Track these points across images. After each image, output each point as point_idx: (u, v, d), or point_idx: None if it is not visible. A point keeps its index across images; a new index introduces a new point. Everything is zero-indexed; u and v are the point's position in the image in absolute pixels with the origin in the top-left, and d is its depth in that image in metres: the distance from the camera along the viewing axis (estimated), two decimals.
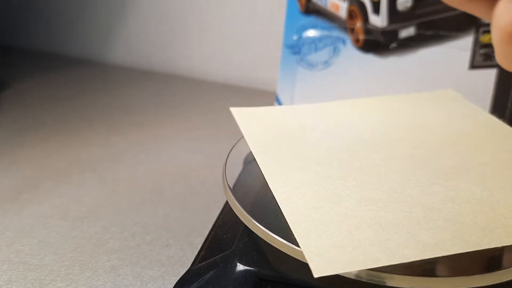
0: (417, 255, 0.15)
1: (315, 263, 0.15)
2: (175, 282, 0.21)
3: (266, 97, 0.52)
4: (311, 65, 0.38)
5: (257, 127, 0.25)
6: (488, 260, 0.17)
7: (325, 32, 0.37)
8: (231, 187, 0.21)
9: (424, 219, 0.17)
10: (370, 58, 0.37)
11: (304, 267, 0.16)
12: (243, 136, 0.26)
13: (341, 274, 0.15)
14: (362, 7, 0.36)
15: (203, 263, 0.21)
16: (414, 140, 0.23)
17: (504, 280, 0.16)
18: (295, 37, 0.38)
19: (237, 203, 0.19)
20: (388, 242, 0.16)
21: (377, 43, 0.36)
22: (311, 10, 0.38)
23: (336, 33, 0.37)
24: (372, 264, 0.15)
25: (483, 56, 0.34)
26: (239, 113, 0.27)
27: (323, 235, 0.16)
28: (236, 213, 0.19)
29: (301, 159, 0.21)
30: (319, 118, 0.26)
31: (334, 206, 0.18)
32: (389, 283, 0.15)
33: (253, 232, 0.18)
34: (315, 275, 0.14)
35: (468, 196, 0.18)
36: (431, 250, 0.15)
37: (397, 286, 0.15)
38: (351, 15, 0.37)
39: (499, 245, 0.15)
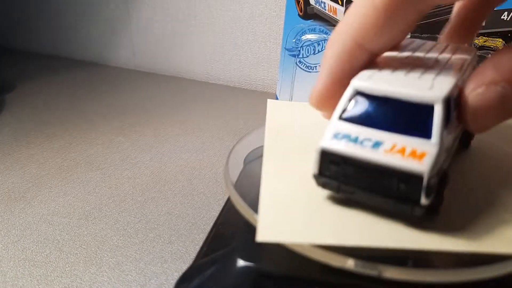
0: (365, 242, 0.15)
1: (262, 230, 0.16)
2: (177, 278, 0.21)
3: (266, 98, 0.53)
4: (309, 67, 0.38)
5: (281, 118, 0.25)
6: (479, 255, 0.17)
7: (323, 35, 0.38)
8: (233, 183, 0.22)
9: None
10: None
11: (304, 263, 0.16)
12: (243, 137, 0.26)
13: (286, 245, 0.16)
14: None
15: (205, 259, 0.21)
16: None
17: (501, 274, 0.16)
18: (294, 40, 0.39)
19: (239, 198, 0.20)
20: (341, 227, 0.16)
21: None
22: (309, 14, 0.38)
23: None
24: (315, 240, 0.15)
25: (477, 59, 0.34)
26: (272, 104, 0.26)
27: (284, 211, 0.17)
28: (237, 207, 0.20)
29: (307, 149, 0.22)
30: None
31: (312, 192, 0.18)
32: (379, 274, 0.16)
33: (253, 228, 0.19)
34: (257, 240, 0.15)
35: (450, 200, 0.18)
36: (381, 241, 0.16)
37: (391, 277, 0.16)
38: None
39: (452, 250, 0.15)
